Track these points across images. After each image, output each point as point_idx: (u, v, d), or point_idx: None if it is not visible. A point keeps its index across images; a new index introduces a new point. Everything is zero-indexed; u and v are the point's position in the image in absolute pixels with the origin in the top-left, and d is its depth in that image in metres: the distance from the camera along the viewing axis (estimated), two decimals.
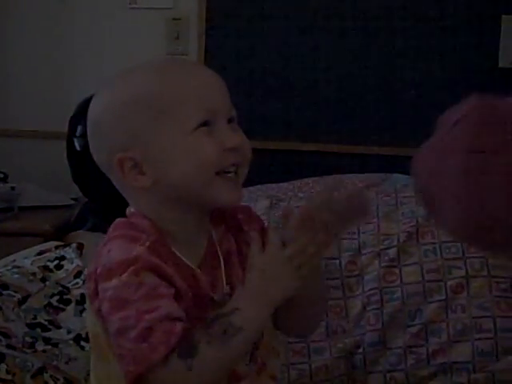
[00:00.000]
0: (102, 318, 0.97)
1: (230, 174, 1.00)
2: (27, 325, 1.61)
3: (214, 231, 1.07)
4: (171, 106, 0.98)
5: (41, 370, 1.48)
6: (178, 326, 0.92)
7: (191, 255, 1.02)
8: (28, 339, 1.56)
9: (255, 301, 0.95)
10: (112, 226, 1.02)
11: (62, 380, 1.51)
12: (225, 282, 1.04)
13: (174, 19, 2.90)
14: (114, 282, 0.93)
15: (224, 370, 0.96)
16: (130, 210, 1.05)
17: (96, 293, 0.97)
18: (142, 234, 0.98)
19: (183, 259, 1.00)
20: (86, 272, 1.78)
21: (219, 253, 1.06)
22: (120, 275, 0.93)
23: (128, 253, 0.95)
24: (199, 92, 1.00)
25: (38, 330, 1.61)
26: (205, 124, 0.99)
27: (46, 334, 1.60)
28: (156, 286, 0.93)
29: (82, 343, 1.60)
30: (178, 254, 1.00)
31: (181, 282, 0.96)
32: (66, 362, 1.54)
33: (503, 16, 2.66)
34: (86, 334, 1.61)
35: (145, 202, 1.02)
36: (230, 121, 1.03)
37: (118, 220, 1.03)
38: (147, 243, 0.96)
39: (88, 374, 1.49)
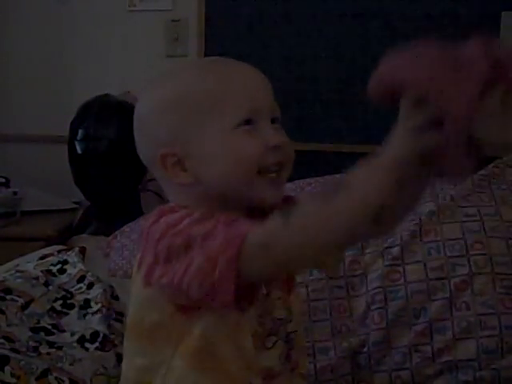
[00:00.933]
0: (162, 286, 0.94)
1: (272, 174, 1.00)
2: (31, 329, 1.61)
3: None
4: (213, 104, 0.99)
5: (45, 373, 1.48)
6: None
7: None
8: (32, 343, 1.56)
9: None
10: (155, 211, 1.00)
11: (67, 381, 1.50)
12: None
13: (173, 21, 2.91)
14: (185, 222, 0.92)
15: (329, 225, 0.88)
16: (170, 204, 1.04)
17: (153, 264, 0.94)
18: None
19: None
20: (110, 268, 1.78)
21: None
22: (189, 217, 0.92)
23: (187, 212, 0.94)
24: (242, 90, 1.01)
25: (42, 333, 1.61)
26: (247, 122, 0.99)
27: (50, 338, 1.60)
28: (233, 220, 0.92)
29: (86, 344, 1.59)
30: None
31: None
32: (71, 364, 1.54)
33: (503, 13, 2.66)
34: (90, 334, 1.61)
35: (185, 198, 1.01)
36: (273, 121, 1.03)
37: (160, 206, 1.01)
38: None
39: (94, 374, 1.49)
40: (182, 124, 1.00)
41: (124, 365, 1.07)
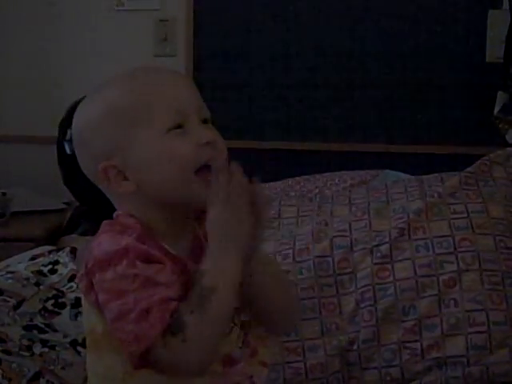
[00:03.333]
0: (99, 308, 1.00)
1: (208, 172, 1.02)
2: (24, 327, 1.61)
3: (198, 226, 1.10)
4: (142, 113, 1.03)
5: (37, 375, 1.49)
6: (173, 304, 0.96)
7: (178, 249, 1.05)
8: (25, 342, 1.57)
9: (217, 257, 0.99)
10: (101, 226, 1.06)
11: None
12: None
13: (162, 20, 2.91)
14: (110, 274, 0.97)
15: (216, 333, 0.99)
16: (116, 213, 1.09)
17: (90, 286, 1.01)
18: (128, 229, 1.02)
19: (171, 251, 1.04)
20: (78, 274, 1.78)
21: (205, 246, 1.08)
22: (115, 267, 0.97)
23: (118, 243, 0.99)
24: (168, 95, 1.05)
25: (35, 332, 1.61)
26: (177, 126, 1.03)
27: (43, 336, 1.60)
28: (151, 275, 0.97)
29: (79, 348, 1.60)
30: (165, 246, 1.04)
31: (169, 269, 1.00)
32: (63, 368, 1.54)
33: (490, 11, 2.68)
34: (83, 339, 1.61)
35: (131, 206, 1.06)
36: (204, 121, 1.06)
37: (105, 221, 1.07)
38: (134, 235, 1.00)
39: (85, 380, 1.50)
40: (116, 135, 1.04)
41: (88, 372, 1.10)
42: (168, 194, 1.03)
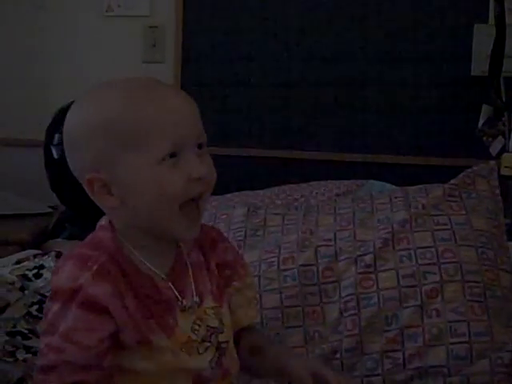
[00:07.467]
0: None
1: (191, 207, 1.03)
2: (7, 333, 1.61)
3: (182, 244, 1.11)
4: (138, 135, 1.00)
5: (20, 381, 1.48)
6: (74, 377, 0.98)
7: (159, 264, 1.06)
8: (8, 347, 1.56)
9: None
10: (76, 247, 1.06)
11: None
12: (194, 292, 1.08)
13: (151, 27, 2.92)
14: (55, 307, 0.99)
15: None
16: (101, 221, 1.09)
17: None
18: (97, 251, 1.02)
19: (147, 267, 1.05)
20: None
21: (188, 263, 1.10)
22: (62, 304, 0.98)
23: (74, 280, 0.99)
24: (167, 122, 1.01)
25: (19, 338, 1.61)
26: (171, 155, 1.01)
27: (27, 343, 1.60)
28: (75, 329, 0.98)
29: None
30: (143, 261, 1.05)
31: (122, 311, 1.00)
32: None
33: (476, 25, 2.71)
34: None
35: (114, 218, 1.07)
36: (200, 146, 1.05)
37: (81, 242, 1.07)
38: (95, 267, 0.99)
39: None
40: (108, 151, 1.01)
41: None
42: (149, 220, 1.03)
